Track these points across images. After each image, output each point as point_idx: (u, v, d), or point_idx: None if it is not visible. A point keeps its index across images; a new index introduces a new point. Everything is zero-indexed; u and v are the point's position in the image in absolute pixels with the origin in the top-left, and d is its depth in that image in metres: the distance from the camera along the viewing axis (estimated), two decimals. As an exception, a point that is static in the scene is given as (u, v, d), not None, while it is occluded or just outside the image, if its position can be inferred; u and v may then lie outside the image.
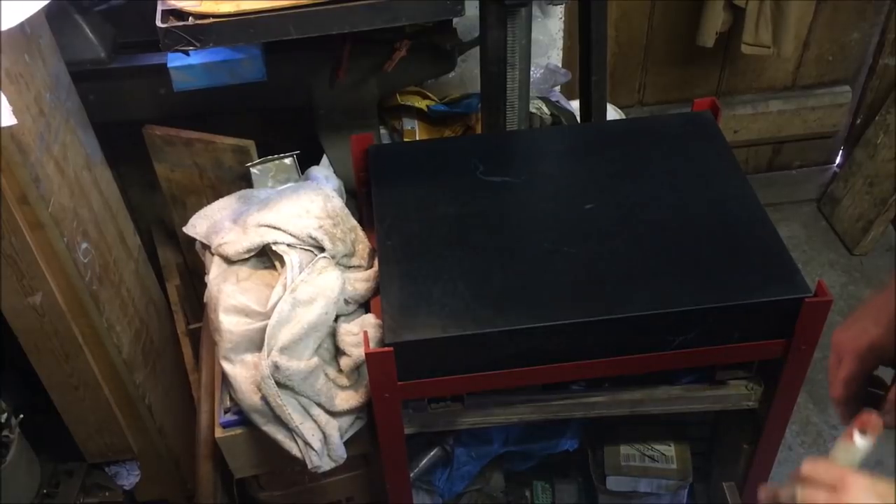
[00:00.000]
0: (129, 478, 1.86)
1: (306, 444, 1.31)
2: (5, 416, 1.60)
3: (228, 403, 1.40)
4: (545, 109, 1.77)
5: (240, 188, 1.58)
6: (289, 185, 1.55)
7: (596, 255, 1.25)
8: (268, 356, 1.25)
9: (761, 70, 2.50)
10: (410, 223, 1.33)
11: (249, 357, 1.31)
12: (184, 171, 1.71)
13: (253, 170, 1.60)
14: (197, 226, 1.49)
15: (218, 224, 1.45)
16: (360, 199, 1.54)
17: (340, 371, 1.33)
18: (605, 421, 1.40)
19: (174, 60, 1.57)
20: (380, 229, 1.32)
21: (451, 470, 1.52)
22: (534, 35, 1.51)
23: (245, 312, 1.30)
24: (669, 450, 1.50)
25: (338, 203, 1.44)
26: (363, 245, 1.43)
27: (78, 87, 1.56)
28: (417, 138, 1.75)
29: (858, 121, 2.66)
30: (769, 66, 2.49)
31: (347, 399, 1.33)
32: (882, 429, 0.83)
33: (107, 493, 1.83)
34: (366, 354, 1.16)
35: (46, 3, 1.21)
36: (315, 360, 1.29)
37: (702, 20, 2.20)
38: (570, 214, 1.33)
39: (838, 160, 2.78)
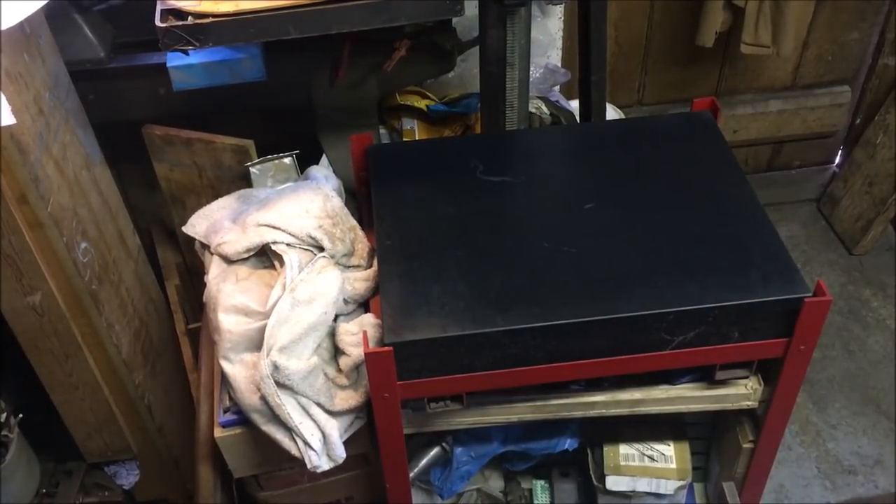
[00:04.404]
0: (128, 477, 1.86)
1: (305, 443, 1.30)
2: (5, 416, 1.59)
3: (228, 403, 1.40)
4: (545, 109, 1.77)
5: (239, 188, 1.58)
6: (288, 184, 1.55)
7: (596, 255, 1.25)
8: (267, 356, 1.25)
9: (761, 70, 2.50)
10: (410, 223, 1.33)
11: (249, 357, 1.31)
12: (183, 171, 1.71)
13: (252, 169, 1.60)
14: (196, 225, 1.49)
15: (217, 224, 1.45)
16: (359, 199, 1.54)
17: (340, 371, 1.32)
18: (605, 421, 1.40)
19: (174, 60, 1.57)
20: (379, 229, 1.32)
21: (451, 469, 1.52)
22: (534, 35, 1.51)
23: (244, 312, 1.30)
24: (669, 449, 1.50)
25: (337, 203, 1.44)
26: (362, 245, 1.43)
27: (77, 87, 1.56)
28: (417, 138, 1.75)
29: (858, 121, 2.66)
30: (769, 65, 2.49)
31: (347, 399, 1.33)
32: None
33: (106, 493, 1.83)
34: (365, 354, 1.16)
35: (46, 2, 1.21)
36: (314, 359, 1.29)
37: (701, 20, 2.20)
38: (570, 214, 1.33)
39: (838, 160, 2.78)
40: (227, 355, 1.32)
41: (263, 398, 1.28)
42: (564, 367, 1.21)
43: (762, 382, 1.32)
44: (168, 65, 1.57)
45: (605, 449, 1.51)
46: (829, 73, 2.54)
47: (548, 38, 1.97)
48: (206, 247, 1.45)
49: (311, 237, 1.35)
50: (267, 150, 1.63)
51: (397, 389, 1.20)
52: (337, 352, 1.33)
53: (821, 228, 2.78)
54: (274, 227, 1.35)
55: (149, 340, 1.74)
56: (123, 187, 1.89)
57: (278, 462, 1.47)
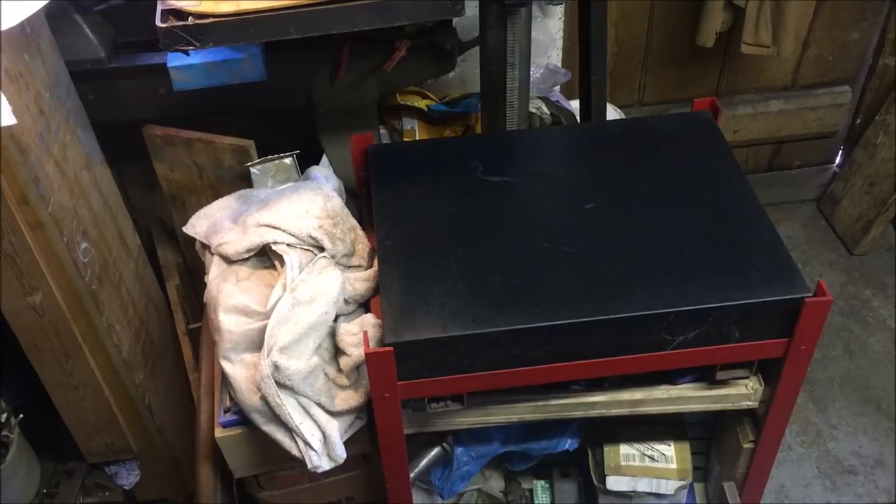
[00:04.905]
0: (128, 477, 1.86)
1: (306, 443, 1.30)
2: (5, 416, 1.60)
3: (228, 403, 1.40)
4: (545, 109, 1.77)
5: (239, 188, 1.58)
6: (288, 184, 1.55)
7: (596, 255, 1.25)
8: (267, 356, 1.25)
9: (761, 70, 2.50)
10: (410, 223, 1.33)
11: (249, 357, 1.31)
12: (183, 171, 1.71)
13: (253, 170, 1.60)
14: (197, 225, 1.49)
15: (218, 224, 1.45)
16: (360, 199, 1.54)
17: (340, 371, 1.32)
18: (605, 421, 1.40)
19: (174, 60, 1.57)
20: (380, 229, 1.32)
21: (451, 470, 1.52)
22: (534, 35, 1.51)
23: (245, 312, 1.30)
24: (669, 450, 1.50)
25: (337, 203, 1.44)
26: (363, 245, 1.43)
27: (78, 87, 1.56)
28: (417, 138, 1.75)
29: (858, 121, 2.66)
30: (769, 65, 2.49)
31: (347, 399, 1.33)
32: None
33: (107, 493, 1.83)
34: (365, 354, 1.16)
35: (46, 2, 1.21)
36: (315, 359, 1.29)
37: (701, 20, 2.20)
38: (570, 214, 1.33)
39: (838, 160, 2.78)
40: (228, 355, 1.32)
41: (264, 398, 1.28)
42: (565, 368, 1.21)
43: (763, 382, 1.32)
44: (168, 65, 1.57)
45: (606, 449, 1.51)
46: (829, 73, 2.54)
47: (548, 38, 1.97)
48: (206, 247, 1.45)
49: (311, 237, 1.35)
50: (267, 150, 1.63)
51: (398, 389, 1.20)
52: (337, 352, 1.33)
53: (821, 228, 2.78)
54: (274, 228, 1.35)
55: (149, 340, 1.74)
56: (123, 187, 1.89)
57: (279, 462, 1.47)
